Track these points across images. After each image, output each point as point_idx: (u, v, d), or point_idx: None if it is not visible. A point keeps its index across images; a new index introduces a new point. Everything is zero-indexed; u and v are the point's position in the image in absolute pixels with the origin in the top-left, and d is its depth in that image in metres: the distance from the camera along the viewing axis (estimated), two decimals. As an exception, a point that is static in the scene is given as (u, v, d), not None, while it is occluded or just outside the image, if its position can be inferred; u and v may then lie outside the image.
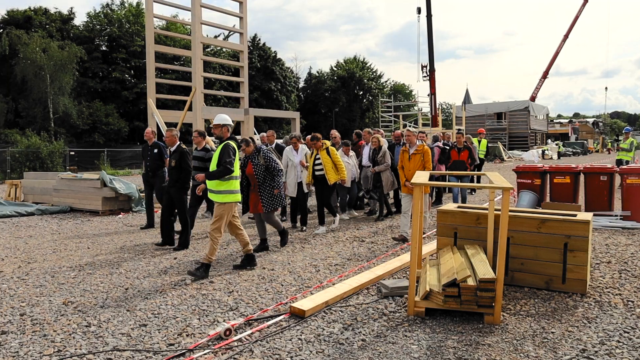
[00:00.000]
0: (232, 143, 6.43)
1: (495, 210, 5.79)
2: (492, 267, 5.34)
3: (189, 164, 8.18)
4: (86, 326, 4.62)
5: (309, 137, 9.66)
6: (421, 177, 5.34)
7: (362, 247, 7.94)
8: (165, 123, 17.15)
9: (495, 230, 5.75)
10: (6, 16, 45.58)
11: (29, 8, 46.92)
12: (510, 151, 50.01)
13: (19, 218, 11.65)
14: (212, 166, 6.40)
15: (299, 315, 4.83)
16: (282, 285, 5.90)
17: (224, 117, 6.51)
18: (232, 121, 14.09)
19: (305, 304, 4.95)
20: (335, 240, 8.49)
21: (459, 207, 6.40)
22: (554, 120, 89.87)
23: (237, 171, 6.48)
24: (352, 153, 11.20)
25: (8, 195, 14.89)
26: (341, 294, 5.33)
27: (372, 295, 5.49)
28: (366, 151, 11.16)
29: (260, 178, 7.50)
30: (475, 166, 16.19)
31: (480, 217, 5.98)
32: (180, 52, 19.53)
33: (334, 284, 5.79)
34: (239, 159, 6.79)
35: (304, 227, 9.50)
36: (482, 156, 17.42)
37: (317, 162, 9.26)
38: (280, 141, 12.12)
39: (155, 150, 9.56)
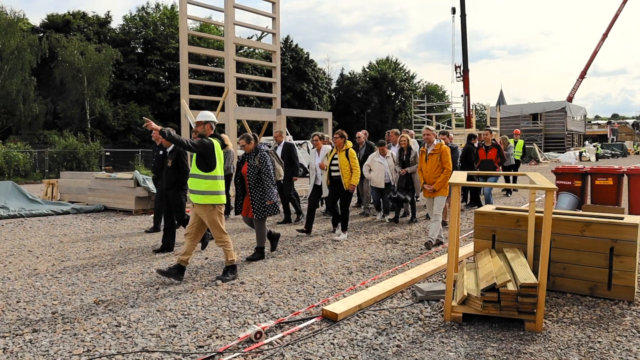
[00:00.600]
0: (214, 140, 6.02)
1: (537, 212, 5.55)
2: (533, 271, 5.12)
3: (187, 164, 7.77)
4: (116, 326, 4.57)
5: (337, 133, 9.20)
6: (459, 177, 5.14)
7: (395, 250, 7.76)
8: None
9: (536, 233, 5.52)
10: (46, 20, 46.80)
11: (68, 12, 48.11)
12: (546, 153, 48.88)
13: (55, 217, 11.83)
14: (192, 164, 6.01)
15: (331, 319, 4.69)
16: (314, 287, 5.77)
17: (206, 113, 6.20)
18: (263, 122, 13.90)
19: (337, 307, 4.81)
20: (368, 242, 8.33)
21: (496, 208, 6.17)
22: (592, 122, 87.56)
23: (219, 171, 6.01)
24: (390, 153, 10.58)
25: (45, 194, 15.19)
26: (375, 297, 5.17)
27: (407, 299, 5.31)
28: (393, 152, 10.78)
29: (252, 181, 6.95)
30: (511, 167, 15.73)
31: (520, 220, 5.74)
32: (214, 53, 19.63)
33: (367, 287, 5.64)
34: (238, 157, 6.64)
35: (337, 230, 9.22)
36: (517, 157, 16.99)
37: (334, 162, 8.70)
38: (294, 140, 11.98)
39: (161, 152, 9.27)
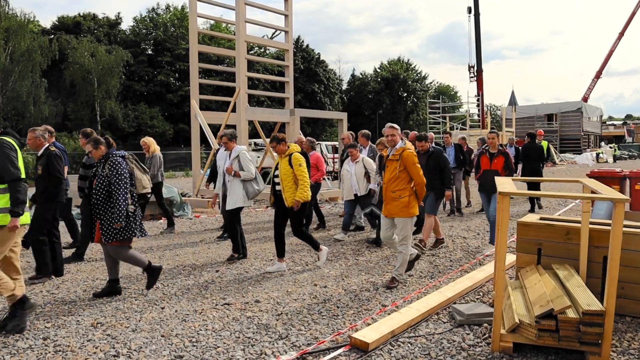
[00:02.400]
0: (7, 138, 4.76)
1: (591, 223, 4.90)
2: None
3: (59, 170, 6.20)
4: (114, 356, 3.98)
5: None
6: (507, 184, 4.50)
7: (422, 261, 7.11)
8: (209, 125, 16.72)
9: (590, 248, 4.87)
10: (57, 22, 46.62)
11: (78, 14, 47.89)
12: (562, 154, 47.90)
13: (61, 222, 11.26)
14: None
15: (361, 349, 4.07)
16: (338, 306, 5.15)
17: None
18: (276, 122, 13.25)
19: (368, 334, 4.19)
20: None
21: (542, 218, 5.51)
22: (607, 122, 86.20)
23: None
24: (360, 158, 8.88)
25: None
26: (409, 322, 4.54)
27: (444, 323, 4.68)
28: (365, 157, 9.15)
29: (100, 197, 5.36)
30: (533, 172, 14.55)
31: (570, 232, 5.08)
32: (224, 52, 19.10)
33: (398, 308, 5.01)
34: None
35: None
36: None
37: (277, 173, 6.70)
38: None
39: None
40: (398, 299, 5.39)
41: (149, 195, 7.67)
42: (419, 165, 5.88)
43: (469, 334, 4.40)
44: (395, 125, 6.04)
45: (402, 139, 6.07)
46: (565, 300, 4.01)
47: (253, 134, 24.90)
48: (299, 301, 5.33)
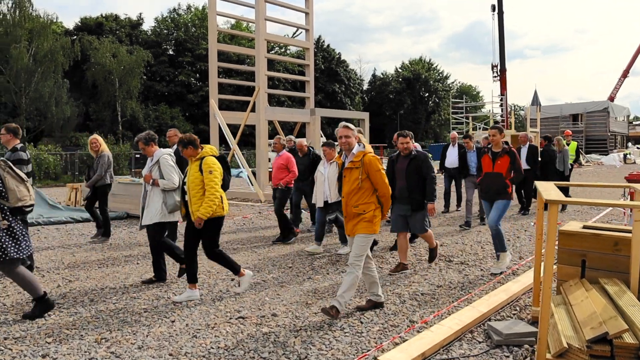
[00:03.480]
0: None
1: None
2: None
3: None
4: (117, 378, 3.63)
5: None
6: (552, 191, 4.04)
7: (451, 270, 6.65)
8: (229, 125, 16.44)
9: (643, 261, 4.38)
10: (79, 23, 46.96)
11: (101, 15, 48.19)
12: (588, 155, 46.72)
13: (74, 225, 11.06)
14: None
15: (388, 374, 3.66)
16: (362, 322, 4.74)
17: None
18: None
19: (396, 356, 3.77)
20: (417, 260, 7.25)
21: (585, 227, 5.02)
22: (633, 122, 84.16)
23: None
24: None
25: (69, 199, 14.51)
26: (440, 342, 4.11)
27: (479, 343, 4.24)
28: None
29: None
30: (561, 175, 13.38)
31: (619, 243, 4.59)
32: (244, 51, 18.83)
33: (428, 325, 4.58)
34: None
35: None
36: (571, 161, 15.59)
37: (185, 180, 5.65)
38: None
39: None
40: (427, 314, 4.96)
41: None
42: (384, 172, 4.99)
43: (508, 356, 3.96)
44: (351, 125, 4.97)
45: (359, 142, 5.08)
46: (621, 322, 3.55)
47: (274, 134, 24.59)
48: (319, 315, 4.93)
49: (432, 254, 6.87)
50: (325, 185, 7.64)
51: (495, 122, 41.64)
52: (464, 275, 6.43)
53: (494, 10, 40.98)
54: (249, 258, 7.53)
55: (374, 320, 4.79)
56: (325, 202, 7.66)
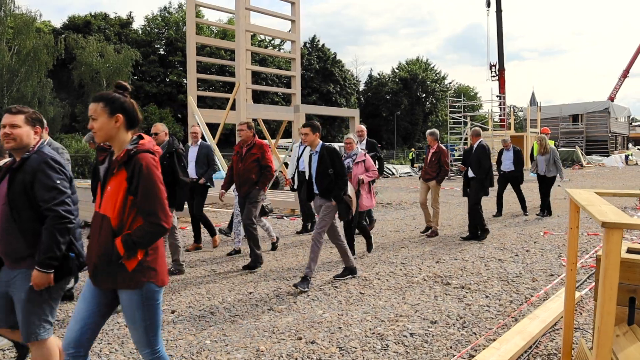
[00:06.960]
0: None
1: None
2: None
3: None
4: None
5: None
6: (603, 206, 2.75)
7: (449, 298, 5.35)
8: (207, 124, 15.21)
9: None
10: (67, 22, 45.73)
11: (89, 13, 46.98)
12: (588, 156, 45.51)
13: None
14: None
15: None
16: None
17: None
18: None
19: None
20: (407, 283, 5.97)
21: (631, 250, 3.72)
22: (633, 123, 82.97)
23: None
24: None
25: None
26: None
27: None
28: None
29: None
30: (541, 180, 11.19)
31: (682, 274, 3.32)
32: (222, 44, 17.54)
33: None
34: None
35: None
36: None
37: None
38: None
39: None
40: (417, 368, 3.66)
41: None
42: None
43: None
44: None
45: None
46: None
47: (260, 133, 23.35)
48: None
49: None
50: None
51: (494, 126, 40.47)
52: (466, 304, 5.12)
53: (488, 5, 39.95)
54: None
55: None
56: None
